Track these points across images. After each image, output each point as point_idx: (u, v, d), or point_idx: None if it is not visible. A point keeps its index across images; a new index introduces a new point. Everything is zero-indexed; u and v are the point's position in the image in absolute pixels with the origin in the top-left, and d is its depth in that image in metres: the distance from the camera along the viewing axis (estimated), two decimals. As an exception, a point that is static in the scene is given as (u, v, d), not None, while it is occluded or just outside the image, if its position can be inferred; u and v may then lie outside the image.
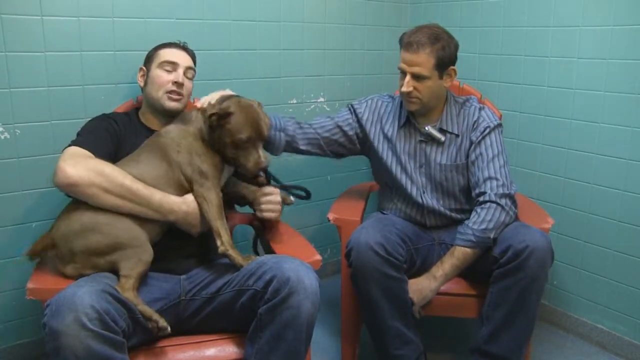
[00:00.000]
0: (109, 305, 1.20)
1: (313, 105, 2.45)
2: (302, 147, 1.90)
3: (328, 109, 2.49)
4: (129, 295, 1.31)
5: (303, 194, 1.74)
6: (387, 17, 2.60)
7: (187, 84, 1.66)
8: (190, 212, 1.46)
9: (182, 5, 2.01)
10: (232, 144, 1.46)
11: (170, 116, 1.62)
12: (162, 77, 1.62)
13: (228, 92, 1.61)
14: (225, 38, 2.13)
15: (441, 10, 2.52)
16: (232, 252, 1.45)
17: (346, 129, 1.92)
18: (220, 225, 1.45)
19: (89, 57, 1.85)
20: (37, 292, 1.33)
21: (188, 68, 1.66)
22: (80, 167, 1.37)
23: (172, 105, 1.62)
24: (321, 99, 2.46)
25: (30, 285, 1.34)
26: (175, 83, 1.61)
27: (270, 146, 1.85)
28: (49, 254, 1.41)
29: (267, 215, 1.61)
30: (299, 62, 2.36)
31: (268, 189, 1.62)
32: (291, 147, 1.89)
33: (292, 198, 1.69)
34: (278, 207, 1.63)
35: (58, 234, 1.39)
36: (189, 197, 1.47)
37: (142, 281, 1.40)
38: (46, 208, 1.84)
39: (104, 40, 1.87)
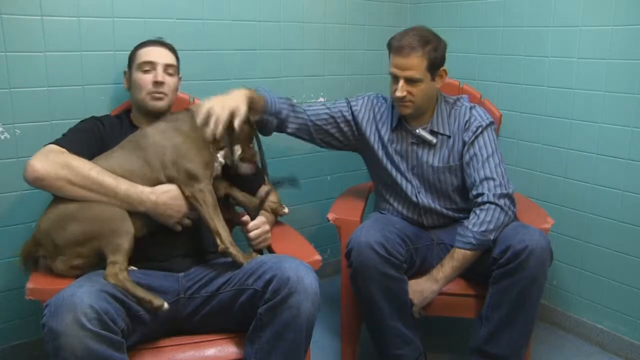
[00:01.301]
0: (107, 305, 1.20)
1: (313, 105, 2.45)
2: (290, 131, 1.85)
3: (328, 109, 2.48)
4: (118, 280, 1.29)
5: (296, 184, 1.70)
6: (387, 17, 2.60)
7: (169, 80, 1.63)
8: (160, 203, 1.44)
9: (182, 5, 2.01)
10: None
11: (157, 116, 1.61)
12: (142, 79, 1.61)
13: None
14: (225, 38, 2.13)
15: (441, 10, 2.52)
16: (232, 249, 1.45)
17: (341, 124, 1.90)
18: (217, 224, 1.45)
19: (89, 57, 1.85)
20: (36, 292, 1.33)
21: (167, 65, 1.63)
22: (48, 161, 1.37)
23: (156, 104, 1.62)
24: (321, 99, 2.46)
25: (29, 285, 1.34)
26: (155, 83, 1.60)
27: (263, 129, 1.81)
28: (39, 255, 1.41)
29: (261, 247, 1.61)
30: (299, 62, 2.36)
31: (256, 222, 1.59)
32: (280, 129, 1.85)
33: (285, 210, 1.69)
34: (269, 235, 1.62)
35: (40, 232, 1.39)
36: (159, 188, 1.45)
37: (129, 265, 1.38)
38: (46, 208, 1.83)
39: (104, 40, 1.87)
